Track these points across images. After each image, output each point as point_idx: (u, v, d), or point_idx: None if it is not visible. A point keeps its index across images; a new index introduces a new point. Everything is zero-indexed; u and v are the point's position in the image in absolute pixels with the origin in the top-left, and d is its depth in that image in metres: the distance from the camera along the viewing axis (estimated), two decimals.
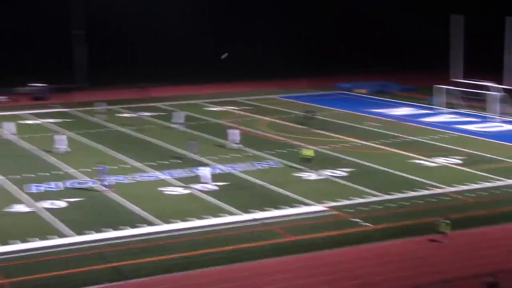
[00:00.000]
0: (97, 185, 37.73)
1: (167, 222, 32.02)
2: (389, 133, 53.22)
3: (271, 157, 45.13)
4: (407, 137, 51.67)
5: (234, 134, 48.25)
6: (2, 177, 39.74)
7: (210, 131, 53.76)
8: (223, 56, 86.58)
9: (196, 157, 44.10)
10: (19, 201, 35.11)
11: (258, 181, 39.15)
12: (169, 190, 37.30)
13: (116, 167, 41.96)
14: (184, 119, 56.41)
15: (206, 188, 37.43)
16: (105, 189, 36.91)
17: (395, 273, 26.31)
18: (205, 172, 38.69)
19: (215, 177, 39.23)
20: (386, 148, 48.14)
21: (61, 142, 46.21)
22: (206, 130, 54.34)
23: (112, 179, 37.61)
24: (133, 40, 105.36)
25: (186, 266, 26.73)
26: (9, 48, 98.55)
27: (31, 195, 36.21)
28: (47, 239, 29.66)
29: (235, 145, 47.37)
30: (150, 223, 31.87)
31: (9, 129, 51.61)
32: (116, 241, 29.52)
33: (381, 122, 57.92)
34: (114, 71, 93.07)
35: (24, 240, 29.37)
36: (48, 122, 59.02)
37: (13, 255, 27.84)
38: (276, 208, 34.15)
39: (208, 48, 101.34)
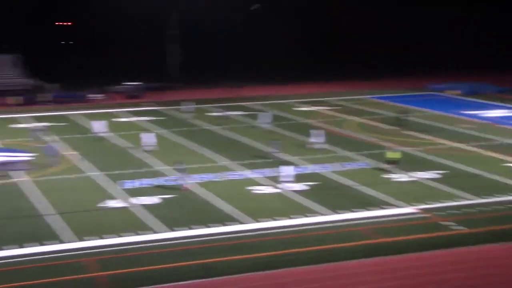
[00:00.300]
0: (181, 183, 38.46)
1: (256, 220, 32.27)
2: (483, 135, 51.90)
3: (360, 157, 44.81)
4: (502, 139, 50.25)
5: (318, 134, 48.11)
6: (97, 173, 41.00)
7: (298, 131, 53.79)
8: (254, 7, 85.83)
9: (280, 156, 44.21)
10: (112, 197, 36.14)
11: (347, 181, 38.94)
12: (257, 189, 37.55)
13: (205, 166, 42.64)
14: (271, 118, 56.57)
15: (294, 187, 37.51)
16: (184, 188, 37.49)
17: (490, 279, 25.65)
18: (287, 171, 38.65)
19: (304, 177, 39.28)
20: (480, 150, 46.96)
21: (149, 140, 47.17)
22: (293, 130, 54.43)
23: (187, 178, 38.07)
24: (224, 40, 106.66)
25: (274, 265, 26.85)
26: (106, 47, 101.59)
27: (125, 191, 37.20)
28: (139, 234, 30.43)
29: (317, 145, 47.21)
30: (239, 221, 32.18)
31: (99, 127, 53.10)
32: (206, 238, 29.97)
33: (475, 124, 56.54)
34: (206, 70, 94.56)
35: (119, 235, 30.22)
36: (141, 120, 60.48)
37: (109, 249, 28.69)
38: (365, 209, 33.88)
39: (299, 48, 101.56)
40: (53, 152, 43.93)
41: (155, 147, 46.94)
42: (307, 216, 32.83)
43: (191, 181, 38.11)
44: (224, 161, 43.92)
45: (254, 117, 59.43)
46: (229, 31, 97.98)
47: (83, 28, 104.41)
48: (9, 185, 38.51)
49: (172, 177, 39.80)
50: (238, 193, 36.86)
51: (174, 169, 39.04)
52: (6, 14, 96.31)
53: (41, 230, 30.88)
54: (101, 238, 29.84)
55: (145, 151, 46.45)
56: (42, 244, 28.99)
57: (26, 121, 59.65)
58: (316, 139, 47.80)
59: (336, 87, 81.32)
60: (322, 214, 33.19)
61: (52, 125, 54.71)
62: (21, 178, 39.78)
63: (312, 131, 49.00)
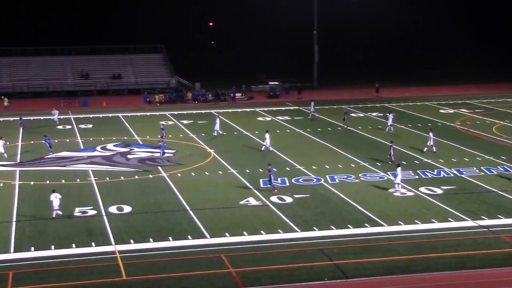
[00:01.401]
0: (319, 183, 38.66)
1: (391, 223, 32.04)
2: None
3: (503, 162, 43.26)
4: None
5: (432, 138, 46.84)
6: (235, 171, 41.99)
7: (445, 135, 52.38)
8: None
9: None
10: (253, 195, 36.93)
11: (487, 186, 37.77)
12: (394, 191, 37.17)
13: (342, 166, 42.71)
14: (393, 120, 55.07)
15: (431, 191, 36.84)
16: (274, 190, 37.54)
17: None
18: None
19: (442, 181, 38.52)
20: None
21: (266, 141, 47.53)
22: (441, 133, 53.06)
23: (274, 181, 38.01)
24: (363, 42, 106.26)
25: (408, 269, 26.61)
26: (248, 47, 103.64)
27: (263, 189, 37.86)
28: (274, 232, 31.02)
29: (434, 149, 46.14)
30: (374, 223, 32.08)
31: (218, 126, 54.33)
32: (338, 239, 30.09)
33: None
34: (344, 71, 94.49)
35: (253, 232, 30.97)
36: (279, 119, 61.29)
37: (241, 246, 29.44)
38: (507, 216, 32.77)
39: (441, 50, 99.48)
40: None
41: (268, 148, 46.96)
42: (444, 221, 32.16)
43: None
44: (362, 162, 43.74)
45: (397, 119, 58.67)
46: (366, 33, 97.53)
47: (225, 28, 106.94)
48: (152, 180, 40.28)
49: (307, 177, 40.17)
50: (374, 195, 36.66)
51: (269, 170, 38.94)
52: (151, 16, 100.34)
53: (183, 224, 32.14)
54: (240, 235, 30.66)
55: (270, 151, 47.03)
56: (185, 238, 30.20)
57: (169, 118, 62.03)
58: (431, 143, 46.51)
59: (478, 89, 78.95)
60: (459, 220, 32.42)
61: (195, 123, 56.43)
62: (164, 174, 41.51)
63: (430, 135, 47.25)
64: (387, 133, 53.11)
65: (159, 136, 51.24)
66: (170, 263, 27.49)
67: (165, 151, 46.66)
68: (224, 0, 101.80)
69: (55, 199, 32.90)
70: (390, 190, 37.35)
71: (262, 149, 47.22)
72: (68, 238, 30.08)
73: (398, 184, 37.22)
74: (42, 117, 62.80)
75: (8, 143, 50.15)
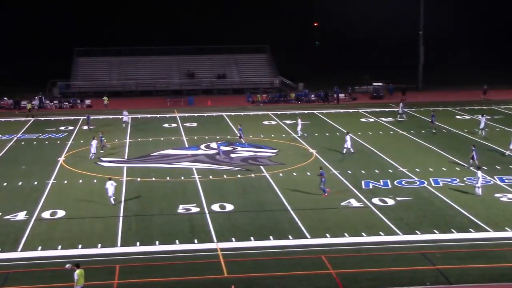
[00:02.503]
0: (423, 186, 38.00)
1: (497, 228, 31.12)
2: None
3: None
4: None
5: None
6: (337, 172, 41.87)
7: None
8: None
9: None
10: (354, 196, 36.77)
11: None
12: (501, 196, 36.08)
13: (446, 169, 41.84)
14: (484, 124, 53.11)
15: None
16: (325, 192, 36.95)
17: None
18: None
19: None
20: None
21: (347, 142, 46.91)
22: None
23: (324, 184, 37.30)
24: (470, 43, 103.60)
25: None
26: (351, 48, 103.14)
27: (365, 191, 37.67)
28: (375, 235, 30.75)
29: None
30: (479, 228, 31.24)
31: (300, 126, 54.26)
32: (441, 244, 29.50)
33: None
34: (448, 72, 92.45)
35: (354, 234, 30.78)
36: (383, 120, 60.59)
37: (342, 247, 29.35)
38: None
39: None
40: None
41: (348, 150, 46.43)
42: None
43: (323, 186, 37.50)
44: (467, 165, 42.55)
45: (502, 121, 57.00)
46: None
47: (329, 29, 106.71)
48: (254, 179, 40.69)
49: (410, 179, 39.57)
50: (481, 199, 35.65)
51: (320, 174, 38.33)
52: (256, 16, 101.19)
53: (284, 224, 32.32)
54: (340, 236, 30.58)
55: (351, 152, 46.52)
56: (282, 238, 30.39)
57: (272, 118, 62.49)
58: None
59: None
60: None
61: (297, 123, 56.39)
62: (266, 173, 41.85)
63: None
64: (481, 137, 51.68)
65: (237, 137, 51.94)
66: (271, 262, 27.71)
67: (268, 150, 46.96)
68: (330, 1, 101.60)
69: (111, 186, 35.12)
70: (497, 195, 36.25)
71: (344, 151, 46.67)
72: (172, 234, 30.82)
73: (479, 188, 36.13)
74: (148, 115, 64.54)
75: (116, 140, 51.92)
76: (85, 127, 56.96)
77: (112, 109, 67.70)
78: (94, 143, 45.74)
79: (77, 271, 23.69)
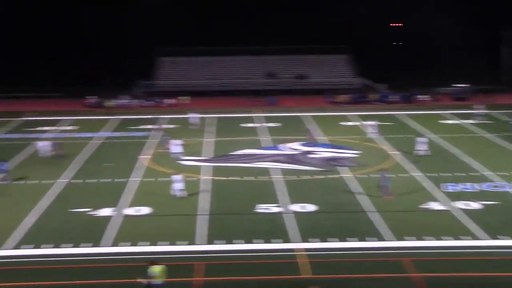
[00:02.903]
0: (508, 189, 37.01)
1: None
2: None
3: None
4: None
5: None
6: (419, 174, 41.24)
7: None
8: None
9: None
10: (435, 199, 36.12)
11: None
12: None
13: None
14: None
15: None
16: (386, 196, 36.14)
17: None
18: None
19: None
20: None
21: (422, 145, 45.96)
22: None
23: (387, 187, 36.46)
24: None
25: None
26: (433, 49, 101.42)
27: (447, 194, 36.93)
28: (459, 239, 30.10)
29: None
30: None
31: (372, 128, 53.65)
32: None
33: None
34: None
35: (438, 237, 30.23)
36: (467, 123, 59.30)
37: (427, 251, 28.85)
38: None
39: None
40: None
41: (426, 152, 45.64)
42: None
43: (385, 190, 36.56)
44: None
45: None
46: None
47: (411, 29, 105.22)
48: (335, 180, 40.50)
49: (497, 183, 38.60)
50: None
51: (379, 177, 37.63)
52: (337, 17, 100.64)
53: (363, 226, 32.07)
54: (420, 239, 30.13)
55: (416, 155, 45.67)
56: (362, 240, 30.15)
57: (355, 119, 62.04)
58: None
59: None
60: None
61: (378, 124, 55.96)
62: (346, 174, 41.57)
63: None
64: None
65: (310, 138, 51.79)
66: (354, 263, 27.53)
67: (348, 151, 46.66)
68: (412, 1, 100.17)
69: (178, 182, 36.53)
70: None
71: (420, 154, 45.81)
72: (253, 233, 30.99)
73: None
74: (229, 115, 65.09)
75: (198, 139, 52.62)
76: (158, 127, 57.86)
77: (191, 108, 68.67)
78: (176, 142, 46.54)
79: (156, 268, 24.13)
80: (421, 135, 46.68)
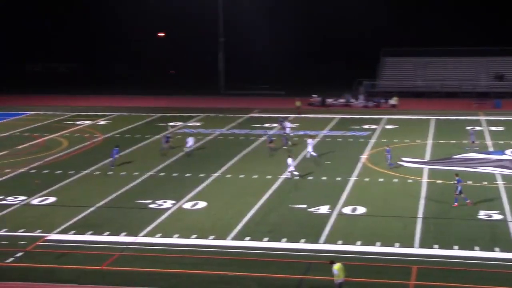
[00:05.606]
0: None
1: None
2: None
3: None
4: None
5: None
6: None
7: None
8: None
9: None
10: None
11: None
12: None
13: None
14: None
15: None
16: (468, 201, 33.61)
17: None
18: None
19: None
20: None
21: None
22: None
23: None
24: None
25: None
26: None
27: None
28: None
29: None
30: None
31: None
32: None
33: None
34: None
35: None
36: None
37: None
38: None
39: None
40: None
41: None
42: None
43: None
44: None
45: None
46: None
47: None
48: None
49: None
50: None
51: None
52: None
53: None
54: None
55: None
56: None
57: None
58: None
59: None
60: None
61: None
62: None
63: None
64: None
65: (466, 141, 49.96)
66: None
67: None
68: None
69: (292, 162, 41.17)
70: None
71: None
72: (472, 240, 30.14)
73: None
74: (452, 117, 63.45)
75: (418, 140, 51.93)
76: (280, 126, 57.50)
77: (404, 109, 67.92)
78: (310, 142, 46.34)
79: (335, 266, 24.30)
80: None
